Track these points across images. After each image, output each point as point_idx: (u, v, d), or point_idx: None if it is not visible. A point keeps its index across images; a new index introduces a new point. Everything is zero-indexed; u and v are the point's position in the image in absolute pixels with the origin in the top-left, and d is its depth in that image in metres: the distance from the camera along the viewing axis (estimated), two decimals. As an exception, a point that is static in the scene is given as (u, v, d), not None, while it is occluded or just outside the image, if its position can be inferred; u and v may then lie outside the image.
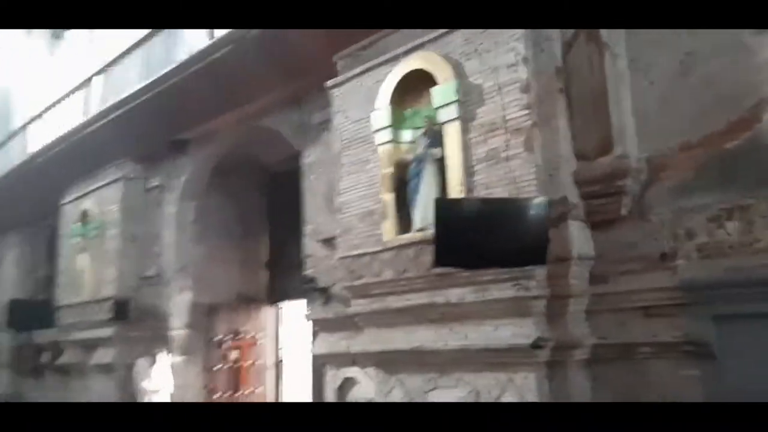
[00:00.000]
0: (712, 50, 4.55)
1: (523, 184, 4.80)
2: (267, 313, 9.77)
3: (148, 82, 8.85)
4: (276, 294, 9.97)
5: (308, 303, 7.01)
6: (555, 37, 5.19)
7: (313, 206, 7.24)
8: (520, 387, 4.79)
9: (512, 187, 4.84)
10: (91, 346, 9.83)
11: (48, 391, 12.15)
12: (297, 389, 9.57)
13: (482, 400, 4.97)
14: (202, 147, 9.23)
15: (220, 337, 9.23)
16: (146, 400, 8.06)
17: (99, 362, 9.49)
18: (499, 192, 4.88)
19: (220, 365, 9.13)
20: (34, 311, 10.68)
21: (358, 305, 5.99)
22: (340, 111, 6.51)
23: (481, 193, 5.01)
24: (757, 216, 4.09)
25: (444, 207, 4.45)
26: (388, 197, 5.76)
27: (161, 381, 8.22)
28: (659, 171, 4.70)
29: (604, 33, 5.04)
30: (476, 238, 4.31)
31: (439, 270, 5.18)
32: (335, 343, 6.68)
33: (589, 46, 5.10)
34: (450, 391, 5.21)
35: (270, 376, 9.53)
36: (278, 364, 9.68)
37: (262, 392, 9.36)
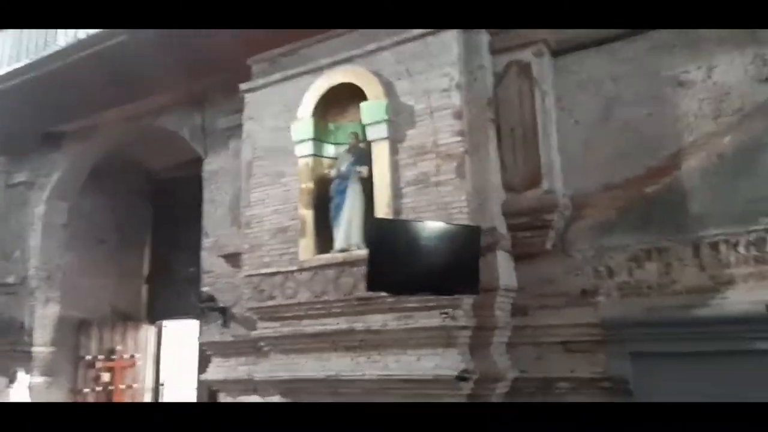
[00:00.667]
0: (635, 98, 4.78)
1: (454, 211, 4.71)
2: (146, 331, 8.90)
3: (21, 65, 7.73)
4: (157, 311, 9.12)
5: (203, 324, 6.41)
6: (487, 65, 5.20)
7: (214, 218, 6.69)
8: (441, 421, 4.65)
9: (443, 213, 4.73)
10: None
11: None
12: (176, 414, 8.81)
13: (400, 433, 4.77)
14: (79, 143, 8.22)
15: (92, 356, 8.20)
16: None
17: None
18: (429, 217, 4.73)
19: (89, 388, 8.10)
20: None
21: (266, 328, 5.54)
22: (253, 118, 6.07)
23: (409, 216, 4.84)
24: (674, 258, 4.31)
25: (379, 227, 4.21)
26: (307, 214, 5.42)
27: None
28: (582, 208, 4.84)
29: (535, 68, 5.13)
30: (410, 261, 4.11)
31: (360, 294, 4.94)
32: (232, 368, 6.16)
33: (519, 80, 5.16)
34: (365, 423, 4.95)
35: (148, 400, 8.66)
36: (158, 387, 8.83)
37: (136, 418, 8.46)
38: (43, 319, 7.94)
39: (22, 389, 7.28)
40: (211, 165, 6.84)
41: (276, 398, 5.72)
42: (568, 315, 4.67)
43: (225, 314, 6.21)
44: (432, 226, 4.29)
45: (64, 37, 7.38)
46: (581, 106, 5.06)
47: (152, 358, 8.84)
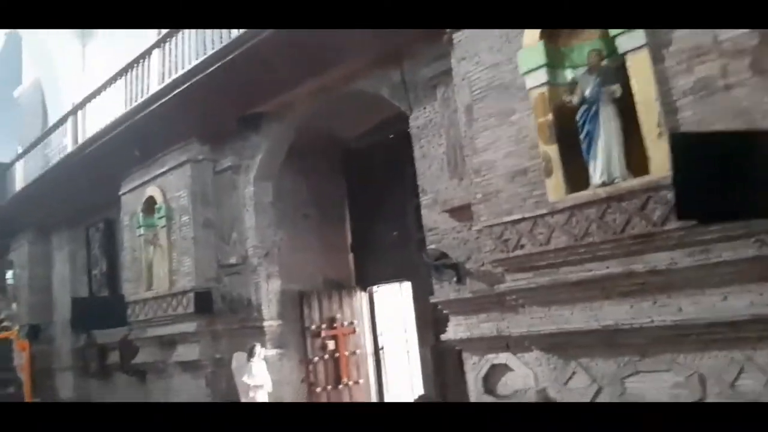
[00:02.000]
0: None
1: (757, 117, 3.84)
2: (359, 298, 8.97)
3: (212, 52, 7.94)
4: (365, 278, 9.14)
5: (435, 283, 6.13)
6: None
7: (430, 174, 6.33)
8: (764, 366, 3.90)
9: (740, 122, 3.89)
10: (169, 342, 9.10)
11: (119, 393, 11.54)
12: (401, 379, 8.83)
13: (709, 384, 4.10)
14: (277, 122, 8.32)
15: (316, 326, 8.42)
16: (249, 396, 7.31)
17: (182, 359, 8.76)
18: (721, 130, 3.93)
19: (317, 357, 8.33)
20: (102, 309, 9.94)
21: (517, 280, 5.11)
22: (465, 58, 5.57)
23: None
24: None
25: (682, 144, 3.49)
26: (550, 150, 4.84)
27: (263, 376, 7.45)
28: None
29: None
30: (726, 182, 3.35)
31: (636, 231, 4.29)
32: (474, 326, 5.82)
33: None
34: (658, 376, 4.34)
35: (370, 365, 8.77)
36: (377, 352, 8.90)
37: (365, 384, 8.61)
38: (268, 294, 8.25)
39: (259, 362, 7.62)
40: (418, 120, 6.48)
41: (533, 354, 5.31)
42: None
43: (458, 271, 5.87)
44: (751, 136, 3.48)
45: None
46: None
47: (368, 324, 8.90)
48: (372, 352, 8.88)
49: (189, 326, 8.57)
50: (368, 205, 9.16)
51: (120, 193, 10.41)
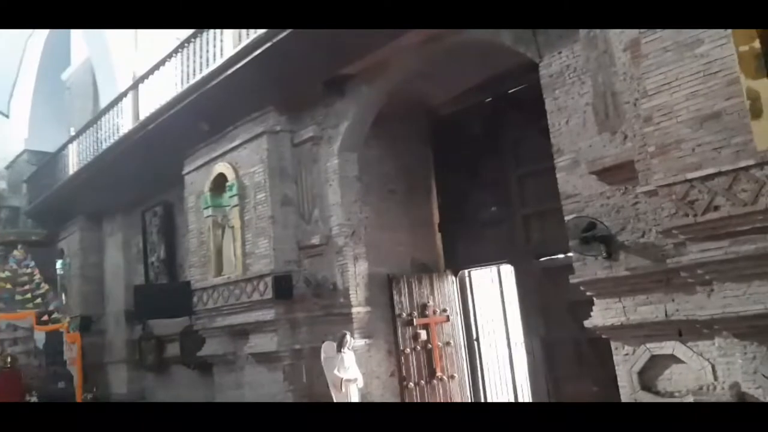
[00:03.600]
0: None
1: None
2: (450, 283, 8.09)
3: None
4: (456, 260, 8.25)
5: (578, 259, 5.22)
6: None
7: (568, 129, 5.41)
8: None
9: None
10: (241, 332, 8.35)
11: (178, 388, 10.86)
12: (499, 373, 7.92)
13: None
14: (366, 84, 7.48)
15: (407, 313, 7.56)
16: (341, 392, 6.48)
17: (256, 351, 7.98)
18: None
19: (409, 348, 7.47)
20: (166, 297, 9.25)
21: (706, 251, 4.16)
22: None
23: None
24: None
25: None
26: (759, 85, 3.88)
27: (354, 369, 6.62)
28: None
29: None
30: None
31: None
32: (631, 309, 4.89)
33: None
34: None
35: (463, 357, 7.89)
36: (472, 343, 8.01)
37: (460, 379, 7.72)
38: (355, 278, 7.43)
39: (350, 354, 6.80)
40: (550, 67, 5.56)
41: (713, 342, 4.38)
42: None
43: (609, 244, 4.94)
44: None
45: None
46: None
47: (460, 311, 8.02)
48: (465, 343, 7.98)
49: (266, 314, 7.79)
50: (458, 178, 8.27)
51: (183, 172, 9.72)
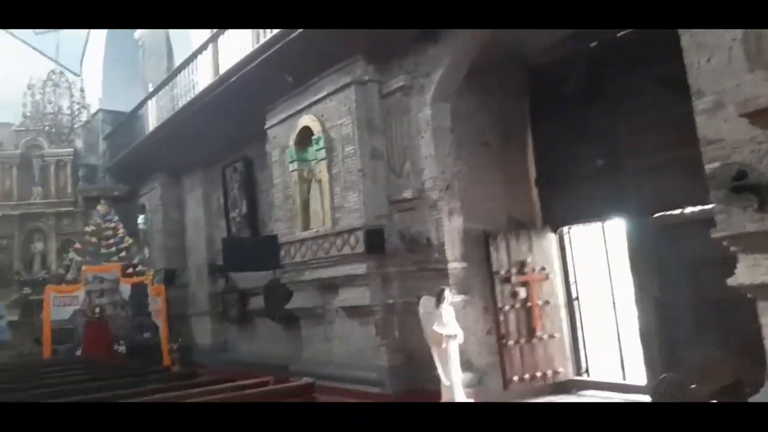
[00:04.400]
0: None
1: None
2: (549, 240, 7.70)
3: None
4: (554, 217, 7.83)
5: (720, 212, 4.73)
6: None
7: (709, 68, 4.83)
8: None
9: None
10: (329, 286, 8.28)
11: (261, 340, 11.05)
12: (600, 334, 7.57)
13: None
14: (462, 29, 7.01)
15: (505, 270, 7.25)
16: (442, 347, 6.31)
17: (348, 304, 7.90)
18: None
19: (507, 305, 7.19)
20: (253, 251, 9.27)
21: None
22: None
23: None
24: None
25: None
26: None
27: (454, 324, 6.43)
28: None
29: None
30: None
31: None
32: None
33: None
34: None
35: (563, 317, 7.56)
36: (571, 302, 7.66)
37: (560, 339, 7.42)
38: (450, 233, 7.16)
39: (449, 309, 6.59)
40: (689, 0, 4.96)
41: None
42: None
43: (762, 194, 4.43)
44: None
45: None
46: None
47: (560, 270, 7.65)
48: (565, 302, 7.63)
49: (357, 268, 7.66)
50: (558, 131, 7.76)
51: (266, 126, 9.59)
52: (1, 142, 16.42)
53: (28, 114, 13.36)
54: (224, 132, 11.05)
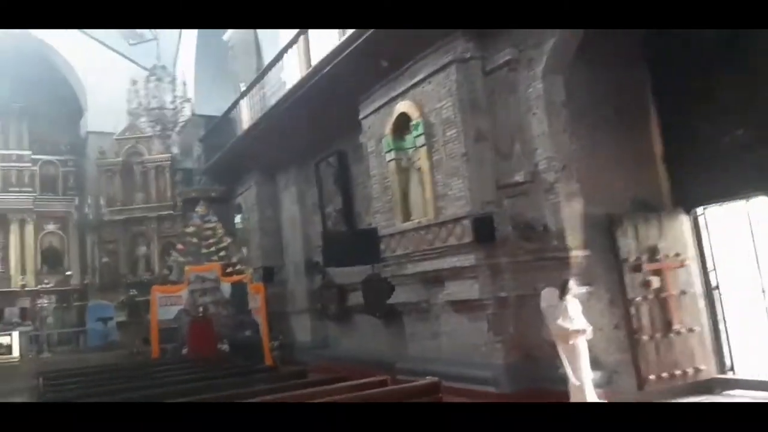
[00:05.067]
0: None
1: None
2: (681, 223, 6.88)
3: None
4: (686, 197, 6.98)
5: None
6: None
7: None
8: None
9: None
10: (434, 279, 7.85)
11: (363, 337, 10.81)
12: (747, 326, 6.67)
13: None
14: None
15: (633, 258, 6.53)
16: (569, 344, 5.73)
17: (455, 298, 7.45)
18: None
19: (639, 296, 6.47)
20: (354, 244, 9.01)
21: None
22: None
23: None
24: None
25: None
26: None
27: (580, 318, 5.83)
28: None
29: None
30: None
31: None
32: None
33: None
34: None
35: (701, 307, 6.73)
36: (710, 292, 6.81)
37: (700, 332, 6.60)
38: (570, 217, 6.53)
39: (573, 301, 5.97)
40: None
41: None
42: None
43: None
44: None
45: None
46: None
47: (696, 256, 6.82)
48: (703, 292, 6.79)
49: (464, 259, 7.18)
50: (686, 101, 6.91)
51: (360, 117, 9.30)
52: (103, 150, 17.32)
53: (134, 110, 13.63)
54: (317, 126, 10.90)
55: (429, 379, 5.12)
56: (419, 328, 8.35)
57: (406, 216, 8.24)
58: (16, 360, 13.25)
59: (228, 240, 13.97)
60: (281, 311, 13.06)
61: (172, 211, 16.88)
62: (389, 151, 8.45)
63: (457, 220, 7.21)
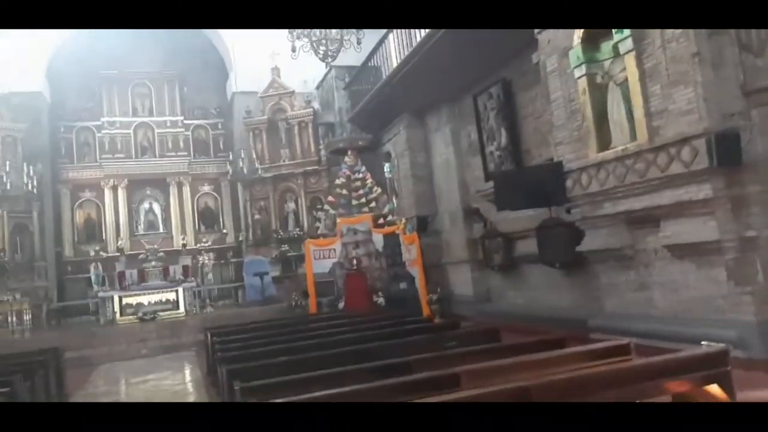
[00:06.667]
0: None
1: None
2: None
3: None
4: None
5: None
6: None
7: None
8: None
9: None
10: (644, 220, 6.40)
11: (535, 289, 9.59)
12: None
13: None
14: None
15: None
16: None
17: (679, 242, 5.96)
18: None
19: None
20: (531, 184, 7.72)
21: None
22: None
23: None
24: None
25: None
26: None
27: None
28: None
29: None
30: None
31: None
32: None
33: None
34: None
35: None
36: None
37: None
38: None
39: None
40: None
41: None
42: None
43: None
44: None
45: None
46: None
47: None
48: None
49: (696, 191, 5.64)
50: None
51: (536, 33, 7.85)
52: (250, 109, 17.33)
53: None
54: (474, 55, 9.59)
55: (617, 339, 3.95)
56: (620, 278, 6.95)
57: (604, 144, 6.77)
58: (183, 315, 13.72)
59: (378, 190, 13.27)
60: (437, 263, 12.19)
61: (317, 167, 16.61)
62: (579, 66, 6.94)
63: (684, 140, 5.64)
